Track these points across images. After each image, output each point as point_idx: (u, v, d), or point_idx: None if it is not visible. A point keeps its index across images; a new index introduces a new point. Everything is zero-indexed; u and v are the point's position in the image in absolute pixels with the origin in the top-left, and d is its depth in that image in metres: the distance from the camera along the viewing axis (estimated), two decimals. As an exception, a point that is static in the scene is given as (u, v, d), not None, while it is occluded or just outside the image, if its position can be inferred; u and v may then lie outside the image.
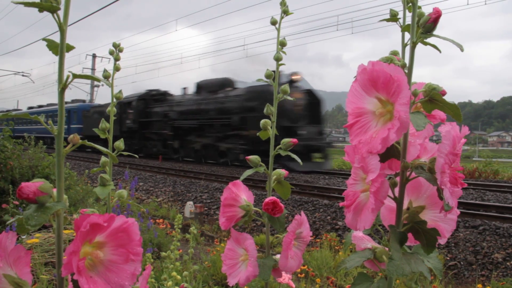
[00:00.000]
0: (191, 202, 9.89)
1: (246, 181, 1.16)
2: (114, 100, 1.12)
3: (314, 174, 16.42)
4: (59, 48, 0.67)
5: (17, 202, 4.69)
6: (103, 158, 1.09)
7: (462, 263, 6.65)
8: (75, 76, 0.66)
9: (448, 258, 6.79)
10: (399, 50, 0.92)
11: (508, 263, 6.43)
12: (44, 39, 0.68)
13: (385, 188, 0.80)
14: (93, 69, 41.17)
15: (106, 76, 1.10)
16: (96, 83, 41.16)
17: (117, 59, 1.13)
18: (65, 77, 0.66)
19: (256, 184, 12.42)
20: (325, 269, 5.88)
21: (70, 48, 0.70)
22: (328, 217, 9.24)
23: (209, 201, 11.48)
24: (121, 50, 1.15)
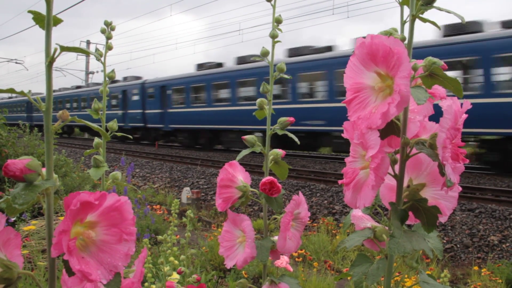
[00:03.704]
0: (188, 188, 9.89)
1: (243, 165, 1.14)
2: (107, 79, 1.09)
3: (310, 158, 16.43)
4: (46, 21, 0.64)
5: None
6: (96, 140, 1.07)
7: (458, 245, 6.68)
8: (63, 48, 0.63)
9: (444, 241, 6.82)
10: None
11: (503, 246, 6.46)
12: (30, 11, 0.65)
13: (385, 164, 0.77)
14: (87, 55, 40.81)
15: (99, 54, 1.08)
16: (91, 69, 40.91)
17: (109, 37, 1.10)
18: (52, 51, 0.64)
19: (253, 169, 12.42)
20: (323, 253, 5.90)
21: (57, 21, 0.67)
22: (325, 202, 9.26)
23: (206, 186, 11.48)
24: (113, 29, 1.12)
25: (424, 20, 0.86)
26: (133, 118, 26.86)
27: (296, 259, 5.26)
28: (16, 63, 40.49)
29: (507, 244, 6.48)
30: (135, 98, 26.96)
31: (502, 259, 5.95)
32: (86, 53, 0.74)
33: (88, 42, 40.63)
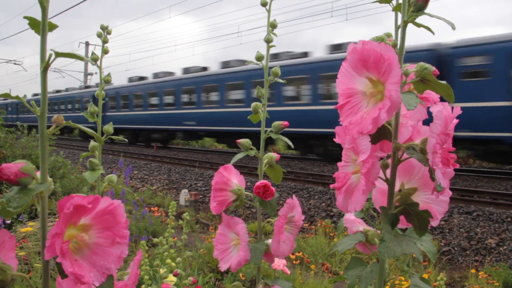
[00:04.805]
0: (186, 190, 9.88)
1: (241, 168, 1.15)
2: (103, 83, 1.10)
3: (309, 161, 16.44)
4: (41, 26, 0.65)
5: (10, 191, 4.66)
6: (92, 143, 1.08)
7: (456, 248, 6.69)
8: (58, 54, 0.64)
9: (442, 244, 6.83)
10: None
11: (501, 248, 6.47)
12: (25, 17, 0.66)
13: (376, 169, 0.78)
14: (86, 57, 40.69)
15: (94, 58, 1.08)
16: (89, 71, 40.85)
17: (105, 41, 1.11)
18: (47, 56, 0.64)
19: (251, 171, 12.42)
20: (320, 256, 5.91)
21: (52, 26, 0.68)
22: (323, 204, 9.27)
23: (204, 188, 11.48)
24: (109, 33, 1.13)
25: (418, 25, 0.87)
26: None
27: (294, 261, 5.26)
28: (15, 64, 40.38)
29: (505, 247, 6.49)
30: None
31: (500, 262, 5.96)
32: (81, 59, 0.75)
33: (87, 43, 40.58)
